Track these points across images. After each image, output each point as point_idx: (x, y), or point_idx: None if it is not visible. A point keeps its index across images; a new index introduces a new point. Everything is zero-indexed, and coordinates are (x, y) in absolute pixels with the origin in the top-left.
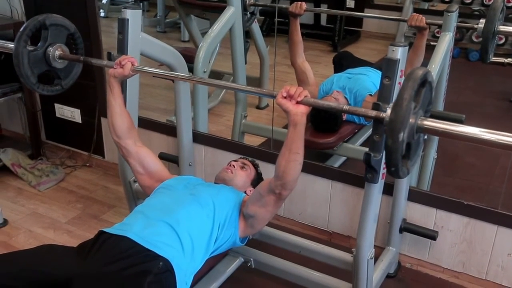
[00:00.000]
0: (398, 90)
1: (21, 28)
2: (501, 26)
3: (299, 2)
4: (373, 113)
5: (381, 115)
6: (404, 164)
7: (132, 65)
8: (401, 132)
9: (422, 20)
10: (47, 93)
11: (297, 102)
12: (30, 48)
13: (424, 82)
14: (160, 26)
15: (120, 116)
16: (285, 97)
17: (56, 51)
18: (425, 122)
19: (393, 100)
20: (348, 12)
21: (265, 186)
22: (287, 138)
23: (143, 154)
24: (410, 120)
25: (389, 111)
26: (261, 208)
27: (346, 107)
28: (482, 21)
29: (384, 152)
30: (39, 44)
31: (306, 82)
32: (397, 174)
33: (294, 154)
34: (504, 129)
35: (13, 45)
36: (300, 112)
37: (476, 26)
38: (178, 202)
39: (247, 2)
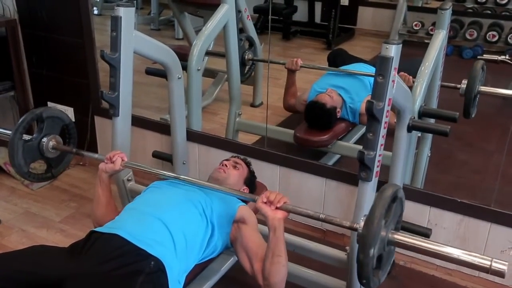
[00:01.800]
0: (392, 88)
1: (19, 121)
2: (482, 87)
3: (295, 59)
4: (347, 224)
5: (354, 225)
6: (376, 275)
7: (122, 160)
8: (372, 247)
9: (409, 80)
10: (37, 181)
11: (277, 208)
12: (26, 138)
13: (395, 198)
14: (154, 24)
15: (106, 206)
16: (265, 202)
17: (50, 142)
18: (396, 236)
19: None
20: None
21: (259, 268)
22: (269, 242)
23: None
24: (382, 233)
25: (362, 223)
26: (248, 268)
27: (322, 216)
28: (465, 82)
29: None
30: (34, 135)
31: (294, 98)
32: (368, 286)
33: (277, 257)
34: (497, 127)
35: (9, 135)
36: (277, 218)
37: (459, 86)
38: (171, 200)
39: (246, 57)
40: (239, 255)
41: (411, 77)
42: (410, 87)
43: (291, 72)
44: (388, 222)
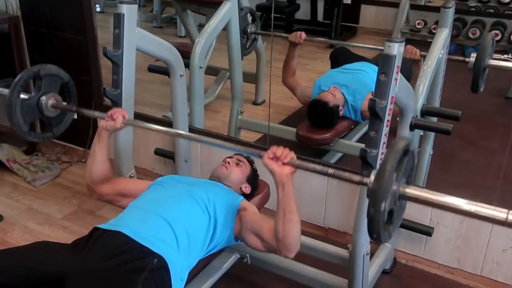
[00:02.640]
0: (395, 86)
1: (16, 79)
2: (491, 60)
3: (299, 32)
4: (357, 178)
5: (364, 180)
6: (386, 229)
7: (124, 118)
8: (383, 202)
9: (416, 53)
10: (39, 140)
11: (283, 163)
12: (24, 96)
13: (407, 151)
14: (157, 21)
15: (102, 165)
16: (271, 158)
17: (49, 100)
18: (407, 190)
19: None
20: (334, 41)
21: (270, 236)
22: (278, 200)
23: (118, 186)
24: (393, 188)
25: (372, 177)
26: (261, 246)
27: (331, 171)
28: (474, 55)
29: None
30: (32, 94)
31: (297, 85)
32: (379, 240)
33: (288, 214)
34: (500, 126)
35: (6, 93)
36: (285, 173)
37: (467, 60)
38: (174, 197)
39: (248, 30)
40: (248, 240)
41: (417, 50)
42: (417, 60)
43: (293, 46)
44: (400, 176)
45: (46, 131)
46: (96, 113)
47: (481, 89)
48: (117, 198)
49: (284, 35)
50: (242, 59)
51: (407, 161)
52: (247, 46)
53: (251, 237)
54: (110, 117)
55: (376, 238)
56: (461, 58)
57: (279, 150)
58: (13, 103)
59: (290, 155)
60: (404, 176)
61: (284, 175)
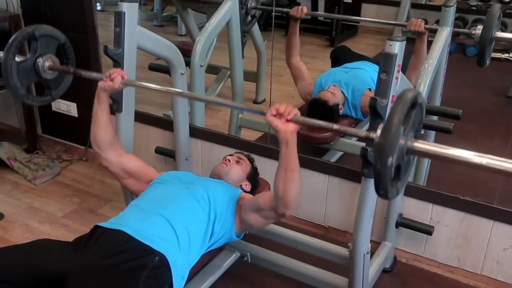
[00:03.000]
0: (395, 85)
1: (10, 40)
2: (498, 33)
3: (300, 6)
4: (363, 133)
5: (371, 135)
6: (394, 186)
7: (122, 78)
8: (390, 156)
9: (420, 25)
10: (37, 103)
11: (287, 120)
12: (19, 59)
13: (415, 104)
14: (157, 20)
15: (105, 129)
16: (274, 115)
17: (46, 62)
18: (415, 144)
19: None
20: (347, 16)
21: (266, 201)
22: (280, 158)
23: (126, 161)
24: (400, 142)
25: (379, 131)
26: (261, 218)
27: (336, 126)
28: (480, 27)
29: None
30: (28, 55)
31: (300, 77)
32: (386, 197)
33: (290, 173)
34: (501, 124)
35: (1, 56)
36: (289, 130)
37: (473, 32)
38: (174, 196)
39: (249, 5)
40: (249, 221)
41: (422, 22)
42: (422, 34)
43: (295, 21)
44: (407, 129)
45: (44, 95)
46: (94, 74)
47: (487, 63)
48: (123, 174)
49: (285, 10)
50: (242, 57)
51: (415, 114)
52: (247, 23)
53: (251, 215)
54: (108, 77)
55: (383, 194)
56: (466, 30)
57: (282, 107)
58: (8, 65)
59: (293, 111)
60: (412, 130)
61: (288, 132)
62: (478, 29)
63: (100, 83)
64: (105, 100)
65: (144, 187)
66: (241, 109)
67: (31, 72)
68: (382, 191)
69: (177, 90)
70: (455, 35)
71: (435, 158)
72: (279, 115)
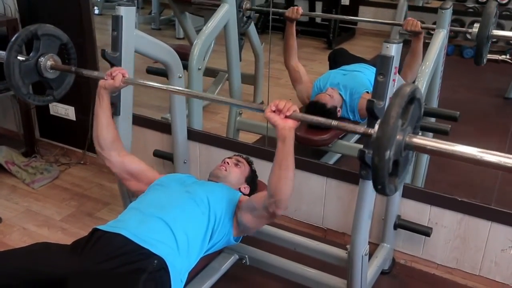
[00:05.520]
0: (392, 87)
1: (13, 38)
2: (494, 31)
3: (296, 7)
4: (361, 129)
5: (369, 131)
6: (392, 182)
7: (123, 76)
8: (388, 150)
9: (417, 25)
10: (39, 103)
11: (286, 117)
12: (22, 58)
13: (413, 99)
14: (155, 23)
15: (106, 128)
16: (273, 111)
17: (48, 61)
18: (414, 139)
19: (384, 111)
20: (343, 17)
21: (260, 200)
22: (276, 154)
23: (128, 162)
24: (398, 137)
25: (377, 127)
26: (254, 218)
27: (334, 122)
28: (476, 25)
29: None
30: (30, 54)
31: (299, 80)
32: (384, 192)
33: (284, 171)
34: (498, 126)
35: (4, 55)
36: (288, 127)
37: (470, 31)
38: (173, 199)
39: (244, 6)
40: (245, 222)
41: (419, 22)
42: (419, 33)
43: (291, 22)
44: (405, 124)
45: (46, 95)
46: (95, 73)
47: (485, 61)
48: (125, 175)
49: (281, 11)
50: (240, 60)
51: (413, 109)
52: (243, 24)
53: (245, 215)
54: (109, 76)
55: (381, 189)
56: (463, 29)
57: (282, 103)
58: (11, 63)
59: (292, 108)
60: (410, 125)
61: (286, 129)
62: (475, 27)
63: (101, 82)
64: (106, 99)
65: (144, 188)
66: (240, 106)
67: (33, 71)
68: (379, 186)
69: (177, 88)
70: (452, 35)
71: (433, 153)
72: (278, 111)
